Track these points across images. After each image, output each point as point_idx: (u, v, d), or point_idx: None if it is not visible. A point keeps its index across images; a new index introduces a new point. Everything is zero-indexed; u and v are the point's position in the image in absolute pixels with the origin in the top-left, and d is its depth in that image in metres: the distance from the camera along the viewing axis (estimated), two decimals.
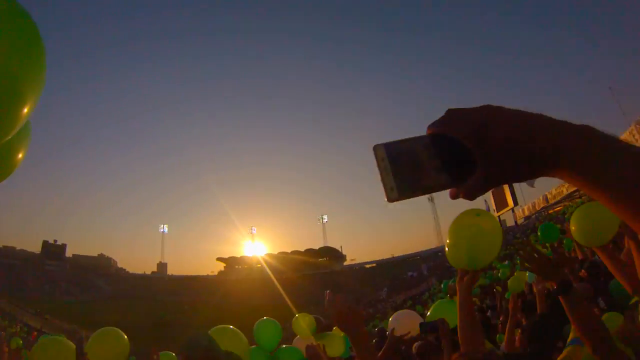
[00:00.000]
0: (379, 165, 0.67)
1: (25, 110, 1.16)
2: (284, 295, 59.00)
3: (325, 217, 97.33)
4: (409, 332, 3.66)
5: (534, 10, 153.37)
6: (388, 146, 0.68)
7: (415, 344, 3.90)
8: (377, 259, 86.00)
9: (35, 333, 34.40)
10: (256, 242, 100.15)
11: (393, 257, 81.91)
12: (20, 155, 1.65)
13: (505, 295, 8.04)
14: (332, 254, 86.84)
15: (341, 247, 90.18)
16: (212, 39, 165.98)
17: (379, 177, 0.66)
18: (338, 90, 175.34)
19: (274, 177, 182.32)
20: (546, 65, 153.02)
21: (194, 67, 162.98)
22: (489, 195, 62.76)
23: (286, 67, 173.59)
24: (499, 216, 59.45)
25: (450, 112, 0.70)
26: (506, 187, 56.93)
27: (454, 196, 0.69)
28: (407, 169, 0.67)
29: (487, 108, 0.67)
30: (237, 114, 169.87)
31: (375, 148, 0.67)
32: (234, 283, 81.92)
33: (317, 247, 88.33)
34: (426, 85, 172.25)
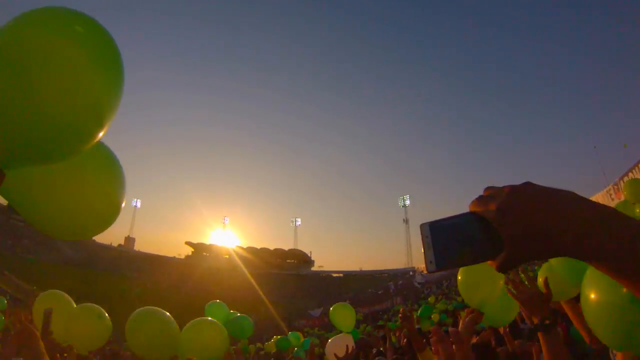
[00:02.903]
0: (422, 241, 0.77)
1: (102, 134, 1.28)
2: (257, 289, 59.11)
3: (298, 220, 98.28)
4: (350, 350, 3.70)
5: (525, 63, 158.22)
6: (432, 225, 0.78)
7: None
8: (345, 269, 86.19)
9: None
10: (227, 232, 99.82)
11: (361, 271, 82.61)
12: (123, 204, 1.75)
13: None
14: (300, 258, 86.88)
15: (310, 252, 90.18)
16: (204, 23, 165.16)
17: (422, 250, 0.78)
18: (330, 93, 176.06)
19: (254, 172, 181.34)
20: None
21: (186, 51, 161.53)
22: None
23: (275, 62, 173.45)
24: None
25: (486, 191, 0.77)
26: None
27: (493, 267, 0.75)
28: (447, 244, 0.76)
29: (510, 193, 0.71)
30: (225, 104, 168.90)
31: (422, 227, 0.79)
32: (201, 269, 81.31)
33: (286, 248, 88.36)
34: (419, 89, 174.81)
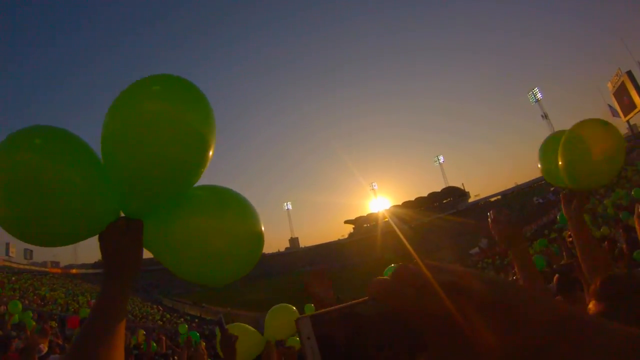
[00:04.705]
0: (303, 344, 0.50)
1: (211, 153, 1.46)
2: (407, 246, 58.82)
3: (441, 157, 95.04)
4: None
5: None
6: (315, 319, 0.51)
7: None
8: (501, 190, 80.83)
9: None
10: (379, 197, 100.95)
11: (517, 186, 76.89)
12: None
13: None
14: (455, 193, 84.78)
15: (462, 184, 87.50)
16: None
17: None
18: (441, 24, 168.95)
19: (384, 131, 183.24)
20: None
21: (309, 24, 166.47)
22: (611, 99, 55.69)
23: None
24: (627, 121, 52.71)
25: (400, 273, 0.50)
26: (630, 85, 49.99)
27: None
28: (341, 348, 0.49)
29: (454, 291, 0.46)
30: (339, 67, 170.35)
31: (299, 322, 0.51)
32: (365, 241, 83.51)
33: (439, 189, 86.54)
34: None
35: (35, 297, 33.18)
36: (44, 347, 5.41)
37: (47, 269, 66.82)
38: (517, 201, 68.51)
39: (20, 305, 10.55)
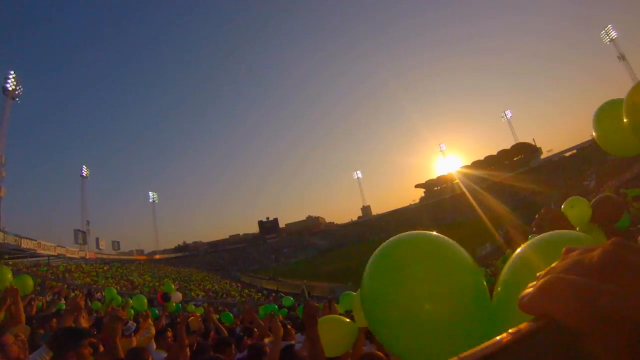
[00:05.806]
0: None
1: None
2: (477, 209, 58.07)
3: (508, 112, 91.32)
4: None
5: None
6: None
7: None
8: (577, 143, 75.61)
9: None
10: (448, 158, 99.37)
11: (595, 139, 71.41)
12: None
13: None
14: (526, 150, 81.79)
15: (534, 139, 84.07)
16: None
17: None
18: None
19: (448, 86, 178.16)
20: None
21: None
22: None
23: None
24: None
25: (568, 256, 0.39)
26: None
27: None
28: None
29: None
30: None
31: None
32: (436, 205, 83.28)
33: (508, 146, 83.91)
34: None
35: (126, 282, 36.66)
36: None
37: (133, 257, 71.79)
38: (594, 156, 65.42)
39: (114, 291, 10.70)
